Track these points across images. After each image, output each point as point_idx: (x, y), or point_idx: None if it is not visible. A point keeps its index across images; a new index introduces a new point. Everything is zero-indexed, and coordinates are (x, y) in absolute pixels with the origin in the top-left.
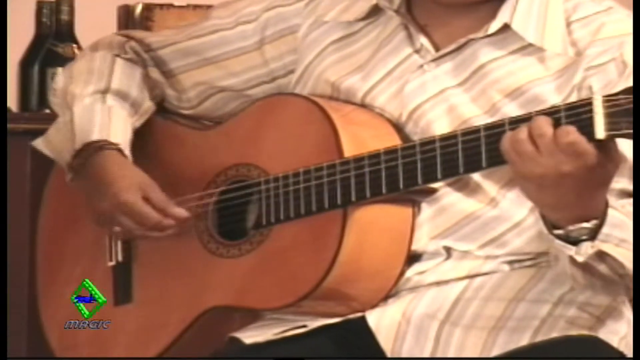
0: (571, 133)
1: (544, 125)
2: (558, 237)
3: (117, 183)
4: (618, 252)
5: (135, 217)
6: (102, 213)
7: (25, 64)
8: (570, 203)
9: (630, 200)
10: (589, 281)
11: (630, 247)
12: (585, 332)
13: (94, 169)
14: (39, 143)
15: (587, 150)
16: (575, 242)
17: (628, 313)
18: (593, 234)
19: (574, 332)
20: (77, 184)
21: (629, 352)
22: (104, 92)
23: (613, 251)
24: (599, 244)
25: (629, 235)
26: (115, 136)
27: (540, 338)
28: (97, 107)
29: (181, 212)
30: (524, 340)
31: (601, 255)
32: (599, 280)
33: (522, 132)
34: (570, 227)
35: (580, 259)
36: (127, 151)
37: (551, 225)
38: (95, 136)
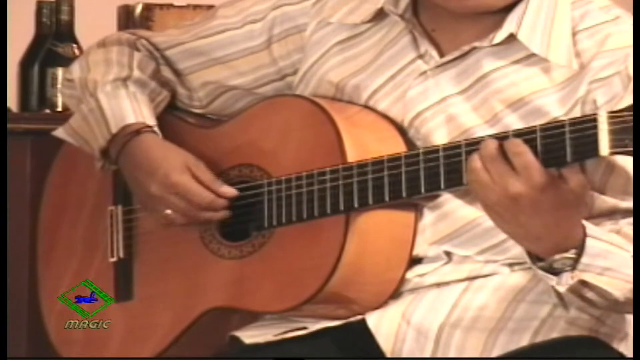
0: (520, 144)
1: (493, 150)
2: (541, 268)
3: (165, 165)
4: (601, 281)
5: (188, 196)
6: (153, 196)
7: (25, 64)
8: (540, 233)
9: (630, 220)
10: (582, 304)
11: (618, 274)
12: (585, 332)
13: (137, 154)
14: (60, 132)
15: (533, 163)
16: (560, 272)
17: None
18: (575, 264)
19: (574, 332)
20: (120, 168)
21: (628, 352)
22: (125, 79)
23: (595, 280)
24: (578, 274)
25: (615, 263)
26: (149, 118)
27: (540, 339)
28: (122, 92)
29: (229, 190)
30: (524, 341)
31: (585, 284)
32: (590, 304)
33: (476, 161)
34: (551, 258)
35: (561, 289)
36: (160, 134)
37: (535, 258)
38: (131, 119)
